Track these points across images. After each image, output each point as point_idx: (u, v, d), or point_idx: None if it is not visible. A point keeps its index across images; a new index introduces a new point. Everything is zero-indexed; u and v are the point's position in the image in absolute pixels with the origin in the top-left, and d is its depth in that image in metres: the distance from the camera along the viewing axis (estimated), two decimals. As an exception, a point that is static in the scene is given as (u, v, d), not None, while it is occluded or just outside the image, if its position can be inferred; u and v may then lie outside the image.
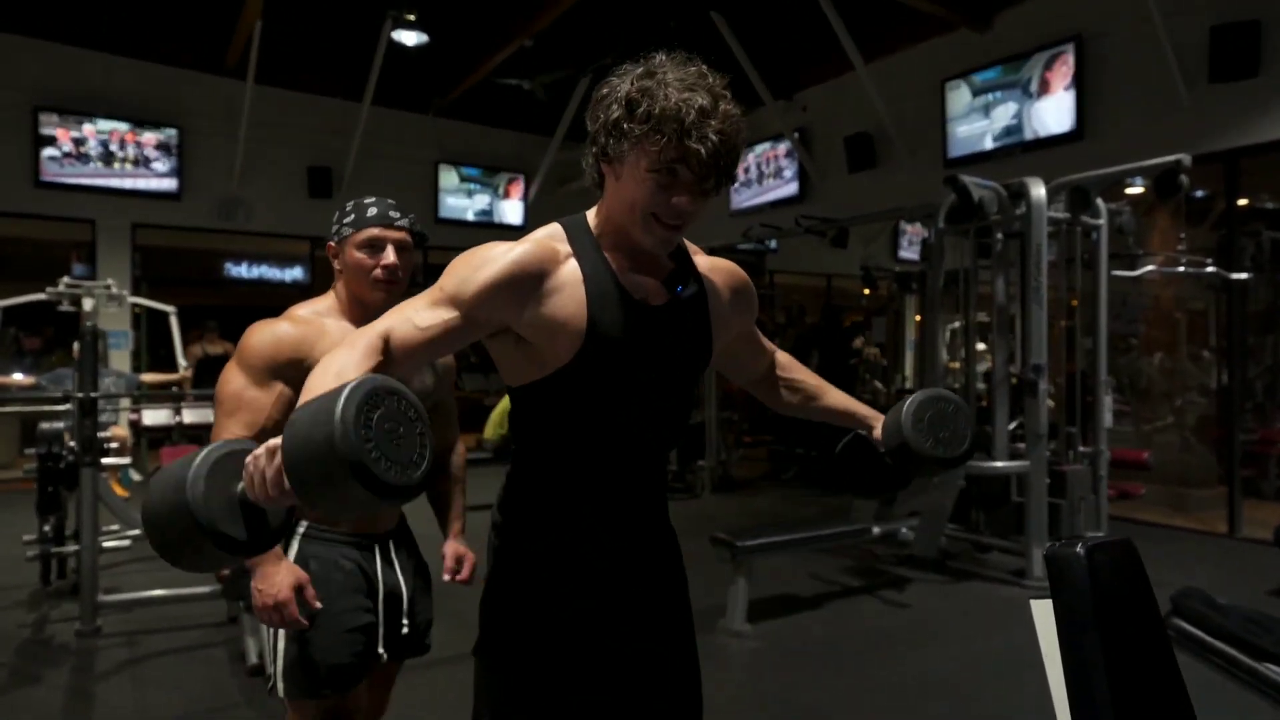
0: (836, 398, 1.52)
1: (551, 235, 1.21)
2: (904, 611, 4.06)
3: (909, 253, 9.61)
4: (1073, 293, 4.93)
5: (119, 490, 6.51)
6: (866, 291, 8.95)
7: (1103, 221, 4.72)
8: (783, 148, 8.72)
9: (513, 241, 1.18)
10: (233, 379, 1.58)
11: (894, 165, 7.51)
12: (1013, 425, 4.76)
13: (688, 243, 1.32)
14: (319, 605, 1.55)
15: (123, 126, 8.21)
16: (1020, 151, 6.48)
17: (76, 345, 6.02)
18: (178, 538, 0.89)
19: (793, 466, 8.11)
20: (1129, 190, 6.29)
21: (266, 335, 1.58)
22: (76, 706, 2.95)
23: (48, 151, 7.87)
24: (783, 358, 1.52)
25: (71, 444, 3.83)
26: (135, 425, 6.85)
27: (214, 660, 3.35)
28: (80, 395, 3.47)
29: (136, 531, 4.22)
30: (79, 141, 8.03)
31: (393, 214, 1.68)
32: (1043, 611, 1.37)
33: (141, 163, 8.32)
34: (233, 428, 1.53)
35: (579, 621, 1.25)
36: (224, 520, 0.89)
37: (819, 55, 7.82)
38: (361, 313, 1.68)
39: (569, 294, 1.15)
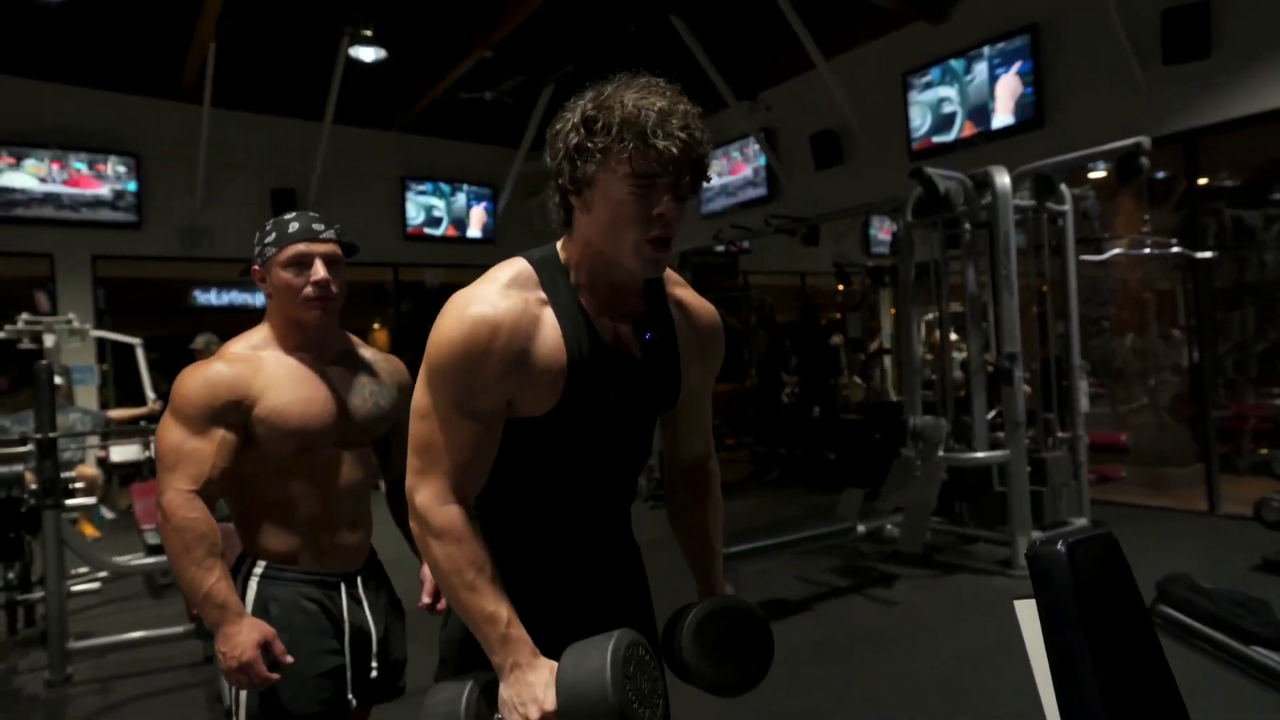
0: (707, 546, 1.38)
1: (523, 281, 1.13)
2: (893, 608, 4.04)
3: (881, 247, 9.65)
4: (1043, 279, 4.95)
5: (90, 530, 6.37)
6: (841, 288, 8.98)
7: (1068, 207, 4.75)
8: (750, 149, 8.72)
9: (485, 306, 1.09)
10: (170, 432, 1.50)
11: (860, 161, 7.53)
12: (991, 414, 4.77)
13: (669, 272, 1.28)
14: (289, 659, 1.46)
15: (78, 157, 8.05)
16: (983, 141, 6.51)
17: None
18: None
19: (775, 467, 8.09)
20: (1092, 175, 6.35)
21: (198, 381, 1.51)
22: (46, 760, 2.85)
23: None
24: (713, 469, 1.41)
25: (33, 486, 3.71)
26: (104, 462, 6.68)
27: (191, 702, 3.25)
28: (39, 436, 3.36)
29: (105, 574, 4.10)
30: (32, 174, 7.86)
31: (316, 226, 1.59)
32: (1027, 611, 1.33)
33: (99, 193, 8.16)
34: (176, 482, 1.46)
35: (544, 649, 1.21)
36: None
37: (780, 54, 7.84)
38: (299, 336, 1.61)
39: (551, 355, 1.11)
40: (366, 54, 6.97)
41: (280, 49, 7.78)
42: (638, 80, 1.08)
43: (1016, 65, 6.30)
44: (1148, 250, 5.28)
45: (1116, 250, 5.30)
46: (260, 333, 1.63)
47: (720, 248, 7.51)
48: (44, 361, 3.38)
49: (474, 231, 10.18)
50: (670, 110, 1.04)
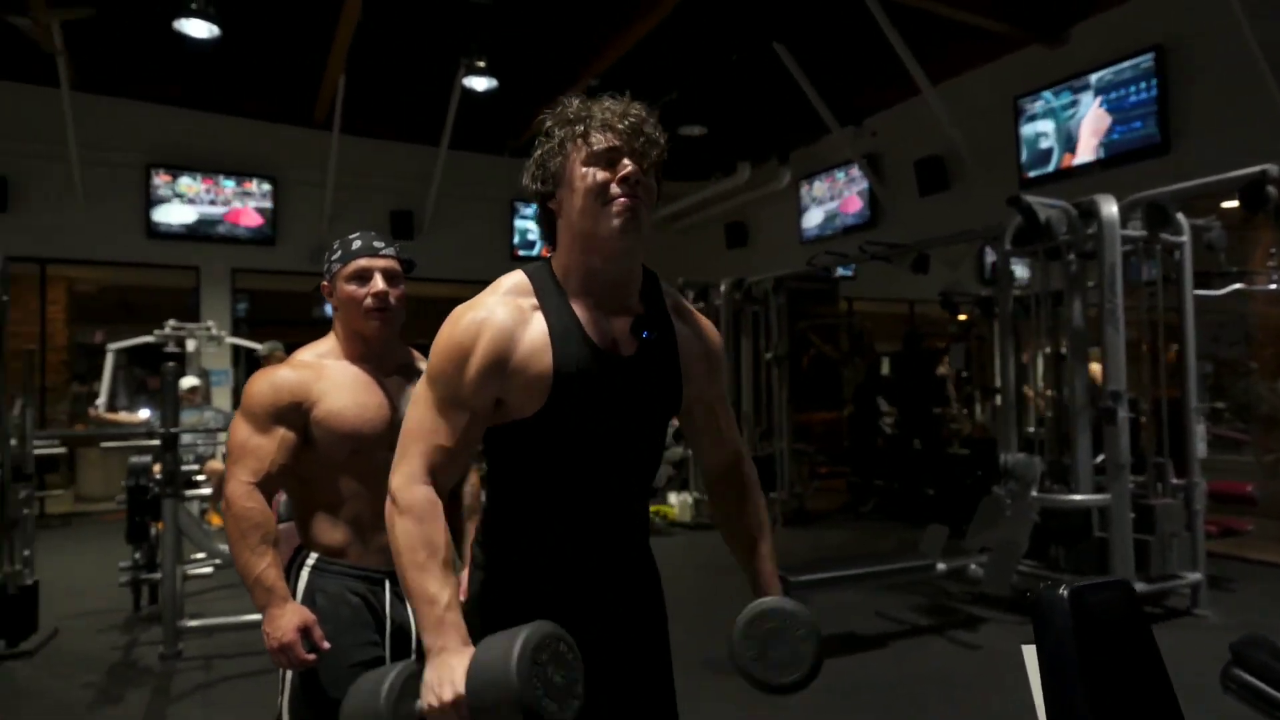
0: (752, 548, 1.40)
1: (517, 289, 1.22)
2: (974, 653, 3.86)
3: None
4: (1154, 312, 4.64)
5: (217, 520, 6.91)
6: (962, 317, 8.64)
7: (1185, 238, 4.45)
8: (852, 174, 8.60)
9: (480, 311, 1.19)
10: (238, 429, 1.64)
11: (967, 187, 7.30)
12: (1101, 458, 4.48)
13: (666, 286, 1.32)
14: (326, 645, 1.55)
15: (223, 179, 8.85)
16: (1100, 168, 6.19)
17: (182, 383, 6.47)
18: None
19: (872, 499, 7.87)
20: (1226, 204, 5.91)
21: (265, 384, 1.65)
22: (150, 726, 3.13)
23: (158, 205, 8.57)
24: (747, 472, 1.43)
25: (158, 476, 4.10)
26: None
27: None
28: (162, 431, 3.72)
29: (218, 560, 4.45)
30: (184, 195, 8.70)
31: (377, 244, 1.71)
32: (1033, 657, 1.29)
33: (240, 212, 8.94)
34: (239, 474, 1.59)
35: None
36: None
37: (885, 80, 7.71)
38: (362, 346, 1.72)
39: (537, 353, 1.18)
40: (479, 84, 7.34)
41: (402, 80, 8.31)
42: (593, 96, 1.20)
43: (1138, 89, 5.97)
44: (1275, 285, 4.85)
45: (1237, 286, 4.90)
46: (327, 342, 1.76)
47: (832, 270, 7.41)
48: (171, 364, 3.74)
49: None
50: (616, 102, 1.17)
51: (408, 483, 1.16)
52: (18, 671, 3.68)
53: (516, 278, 1.23)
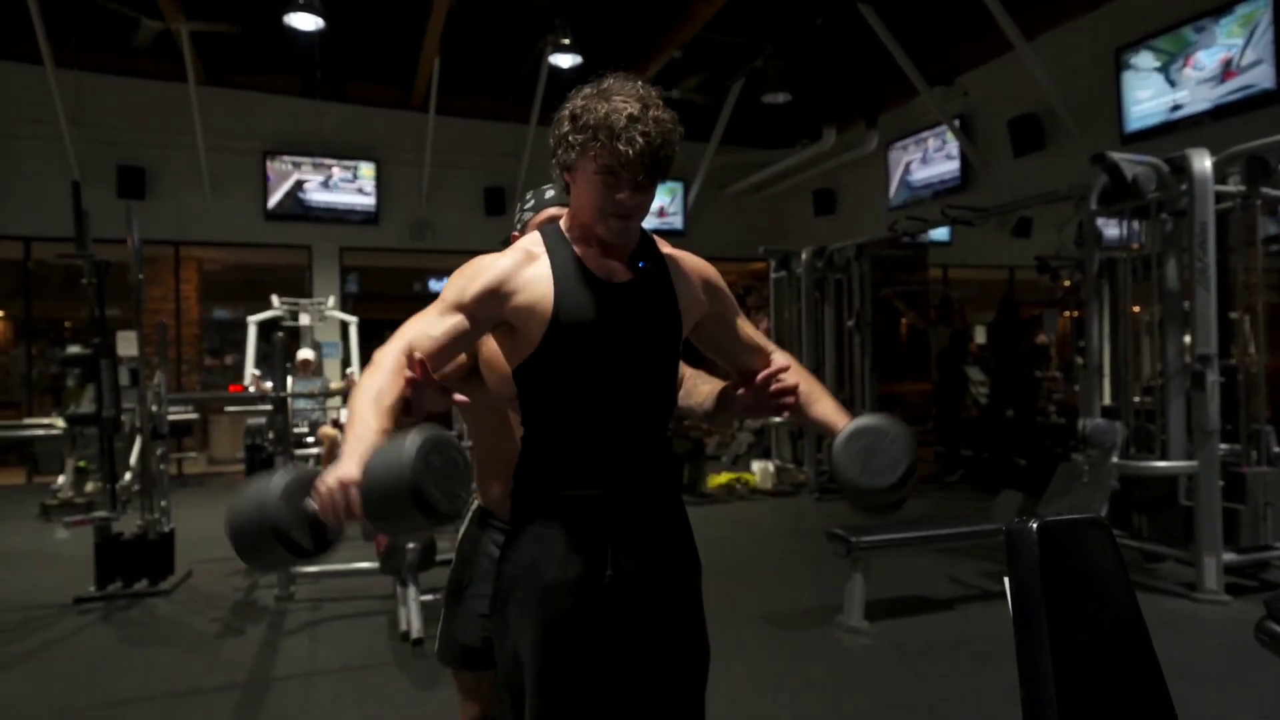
0: (819, 409, 1.49)
1: (529, 242, 1.38)
2: (1045, 619, 3.83)
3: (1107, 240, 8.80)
4: (1252, 273, 4.39)
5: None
6: (1066, 283, 8.30)
7: (1291, 193, 4.18)
8: (943, 137, 8.34)
9: (490, 256, 1.36)
10: None
11: (1064, 146, 6.97)
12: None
13: (657, 239, 1.46)
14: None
15: (332, 162, 9.42)
16: (1211, 120, 5.81)
17: (300, 355, 7.02)
18: (257, 542, 1.12)
19: (958, 469, 7.73)
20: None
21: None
22: (265, 655, 3.52)
23: (274, 189, 9.22)
24: (780, 359, 1.51)
25: (271, 436, 4.53)
26: (337, 424, 7.81)
27: (375, 626, 3.84)
28: (273, 395, 4.11)
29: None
30: (297, 179, 9.32)
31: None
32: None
33: (347, 193, 9.50)
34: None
35: (571, 595, 1.33)
36: (296, 531, 1.12)
37: (976, 36, 7.43)
38: None
39: (539, 283, 1.32)
40: (564, 61, 7.51)
41: (492, 60, 8.58)
42: (624, 85, 1.27)
43: (1254, 32, 5.56)
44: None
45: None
46: None
47: (915, 236, 7.26)
48: (279, 335, 4.12)
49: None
50: (639, 117, 1.23)
51: (387, 351, 1.26)
52: (158, 607, 4.20)
53: (532, 235, 1.39)
